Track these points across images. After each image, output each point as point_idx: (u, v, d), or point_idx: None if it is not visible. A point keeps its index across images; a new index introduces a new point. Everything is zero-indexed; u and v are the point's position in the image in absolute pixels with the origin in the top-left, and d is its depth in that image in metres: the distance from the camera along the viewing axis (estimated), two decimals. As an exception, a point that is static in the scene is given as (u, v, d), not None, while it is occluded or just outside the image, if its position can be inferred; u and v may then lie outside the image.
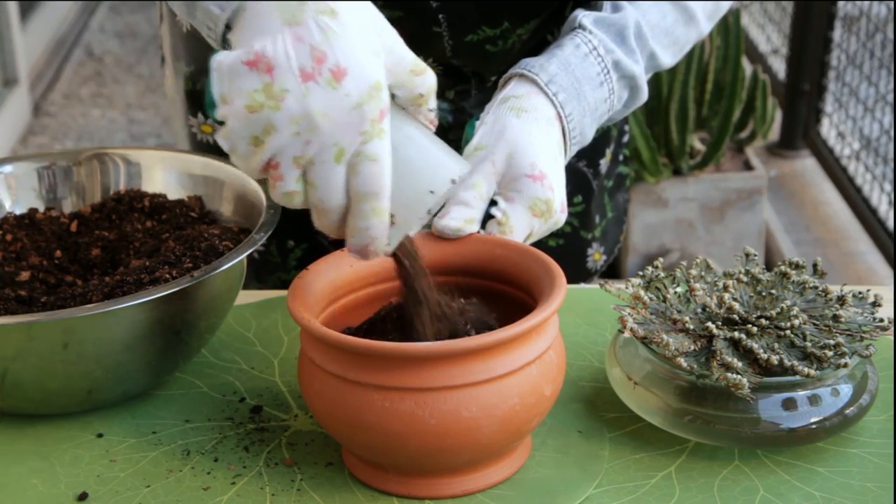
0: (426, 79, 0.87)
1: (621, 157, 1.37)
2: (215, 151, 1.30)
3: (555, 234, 1.30)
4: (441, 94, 1.18)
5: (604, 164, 1.31)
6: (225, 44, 0.85)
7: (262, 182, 1.07)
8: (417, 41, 1.14)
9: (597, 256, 1.36)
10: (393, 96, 0.88)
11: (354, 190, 0.84)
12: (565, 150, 1.04)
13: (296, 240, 1.30)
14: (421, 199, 0.86)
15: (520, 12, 1.13)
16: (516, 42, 1.15)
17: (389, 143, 0.84)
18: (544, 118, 1.02)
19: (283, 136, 0.81)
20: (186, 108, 1.30)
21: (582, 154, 1.28)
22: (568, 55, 1.05)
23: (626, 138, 1.37)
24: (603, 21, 1.07)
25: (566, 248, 1.31)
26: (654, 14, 1.09)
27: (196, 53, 1.28)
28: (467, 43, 1.14)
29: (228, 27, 0.84)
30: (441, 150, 0.88)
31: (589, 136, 1.07)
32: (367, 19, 0.83)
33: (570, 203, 1.30)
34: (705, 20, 1.13)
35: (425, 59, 1.16)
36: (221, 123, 0.82)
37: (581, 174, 1.29)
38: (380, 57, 0.83)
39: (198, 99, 1.29)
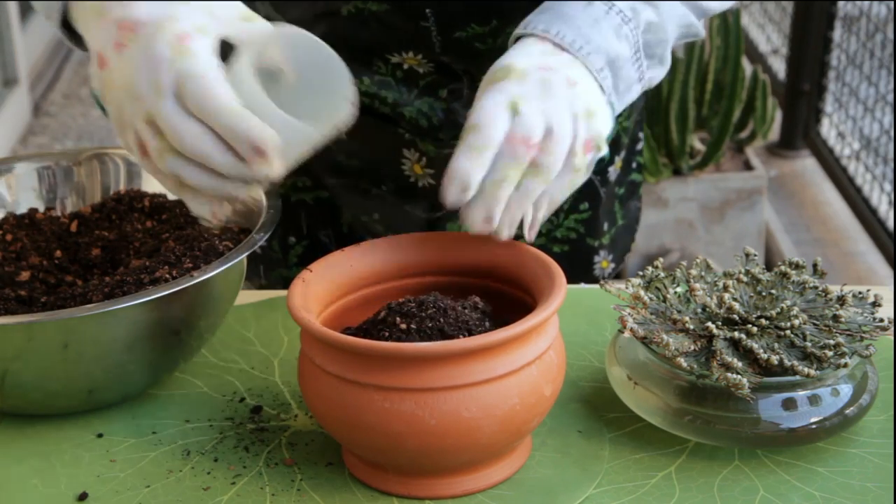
0: (255, 26, 0.90)
1: (634, 165, 1.36)
2: None
3: (559, 241, 1.30)
4: (434, 93, 1.18)
5: (613, 171, 1.30)
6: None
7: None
8: (406, 36, 1.14)
9: (604, 264, 1.35)
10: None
11: (197, 109, 0.85)
12: (581, 63, 0.99)
13: (297, 237, 1.30)
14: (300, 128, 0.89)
15: (508, 10, 1.12)
16: (507, 41, 1.14)
17: (210, 60, 0.86)
18: (537, 50, 0.98)
19: (123, 105, 0.87)
20: None
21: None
22: (543, 5, 1.02)
23: (639, 146, 1.36)
24: None
25: (571, 254, 1.31)
26: None
27: None
28: (456, 39, 1.13)
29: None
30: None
31: (608, 44, 0.99)
32: None
33: (576, 210, 1.29)
34: None
35: (415, 55, 1.15)
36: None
37: (588, 181, 1.28)
38: (192, 8, 0.88)
39: None
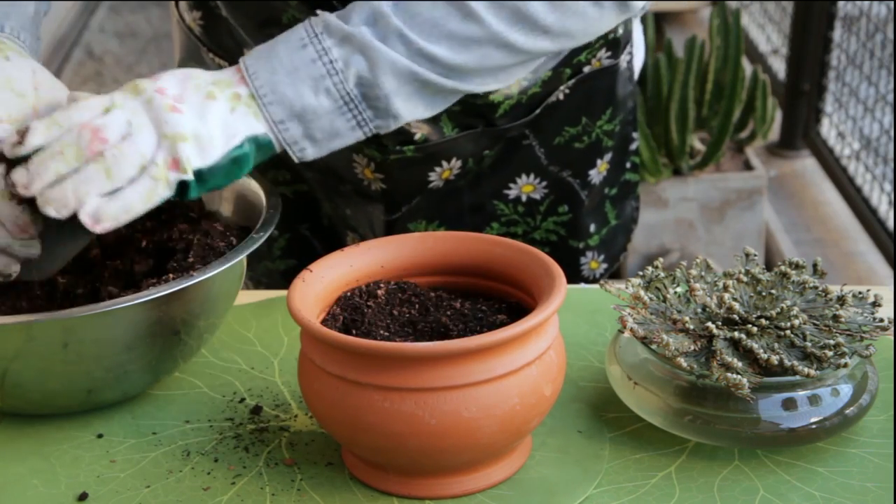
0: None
1: (629, 165, 1.35)
2: None
3: (539, 243, 1.30)
4: None
5: (595, 174, 1.30)
6: None
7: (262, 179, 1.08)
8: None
9: (593, 265, 1.35)
10: None
11: None
12: (258, 107, 0.99)
13: (279, 229, 1.32)
14: None
15: None
16: None
17: None
18: (212, 78, 0.99)
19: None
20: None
21: (566, 165, 1.27)
22: (274, 41, 1.02)
23: (633, 146, 1.35)
24: (328, 15, 1.02)
25: (553, 256, 1.29)
26: (416, 7, 1.01)
27: (183, 42, 1.30)
28: None
29: None
30: None
31: (296, 95, 0.99)
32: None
33: (555, 213, 1.29)
34: (498, 21, 1.02)
35: None
36: None
37: (566, 184, 1.28)
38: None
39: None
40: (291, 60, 0.99)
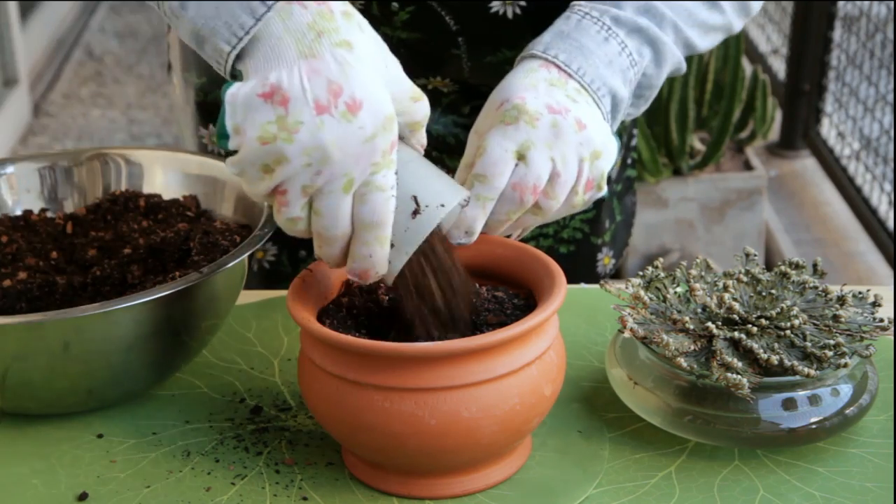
0: (423, 105, 0.87)
1: (629, 161, 1.36)
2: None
3: (566, 241, 1.30)
4: (456, 111, 1.18)
5: (614, 169, 1.31)
6: (234, 75, 0.85)
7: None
8: (435, 62, 1.13)
9: (606, 261, 1.35)
10: None
11: (359, 219, 0.84)
12: (595, 102, 0.99)
13: (308, 250, 1.28)
14: (417, 226, 0.86)
15: (538, 33, 1.11)
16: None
17: (394, 173, 0.84)
18: (543, 80, 0.97)
19: (294, 166, 0.81)
20: (197, 120, 1.29)
21: None
22: (559, 26, 1.01)
23: (634, 142, 1.36)
24: (599, 4, 1.03)
25: (577, 254, 1.30)
26: None
27: (208, 64, 1.26)
28: (486, 63, 1.13)
29: (239, 57, 0.84)
30: (437, 176, 0.88)
31: (617, 87, 0.99)
32: (377, 50, 0.84)
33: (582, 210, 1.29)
34: (732, 12, 1.09)
35: (442, 80, 1.15)
36: (232, 153, 0.83)
37: None
38: (389, 87, 0.83)
39: (209, 110, 1.27)
40: (605, 53, 0.98)
